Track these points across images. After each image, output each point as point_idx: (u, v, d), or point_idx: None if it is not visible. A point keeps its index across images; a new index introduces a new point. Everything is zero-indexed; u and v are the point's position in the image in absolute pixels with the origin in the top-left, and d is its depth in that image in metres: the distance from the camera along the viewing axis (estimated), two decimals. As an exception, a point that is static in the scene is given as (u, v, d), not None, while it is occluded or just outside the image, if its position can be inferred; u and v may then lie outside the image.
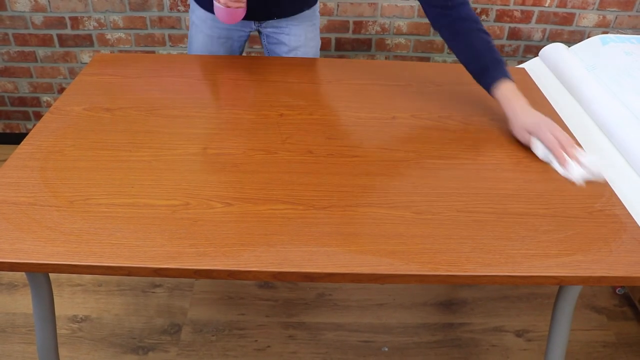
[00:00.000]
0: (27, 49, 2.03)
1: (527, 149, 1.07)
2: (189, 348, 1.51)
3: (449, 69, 1.40)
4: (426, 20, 2.00)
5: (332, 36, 2.02)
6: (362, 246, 0.81)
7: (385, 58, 2.10)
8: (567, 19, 2.02)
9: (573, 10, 2.00)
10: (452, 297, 1.71)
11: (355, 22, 2.00)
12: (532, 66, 1.46)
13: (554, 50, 1.44)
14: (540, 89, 1.32)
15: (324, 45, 2.04)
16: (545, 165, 1.03)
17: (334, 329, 1.59)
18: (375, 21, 2.00)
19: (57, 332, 1.52)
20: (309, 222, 0.85)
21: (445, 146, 1.07)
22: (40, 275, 0.97)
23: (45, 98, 2.17)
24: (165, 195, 0.89)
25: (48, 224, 0.82)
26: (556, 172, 1.01)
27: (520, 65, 1.48)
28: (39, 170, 0.94)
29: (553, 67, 1.40)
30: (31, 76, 2.11)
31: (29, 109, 2.21)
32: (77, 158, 0.97)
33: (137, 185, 0.91)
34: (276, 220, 0.85)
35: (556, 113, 1.21)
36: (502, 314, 1.66)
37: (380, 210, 0.88)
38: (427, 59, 2.11)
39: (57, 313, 1.57)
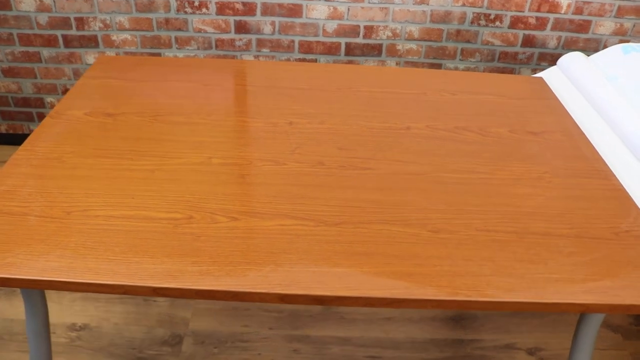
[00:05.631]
0: (31, 49, 1.99)
1: (547, 163, 1.02)
2: (189, 360, 1.46)
3: (463, 76, 1.35)
4: (438, 26, 1.95)
5: (342, 41, 1.98)
6: (375, 267, 0.76)
7: (396, 64, 2.05)
8: (583, 27, 1.97)
9: (589, 18, 1.95)
10: (461, 311, 1.65)
11: (365, 27, 1.95)
12: (550, 75, 1.40)
13: (573, 59, 1.39)
14: (559, 99, 1.27)
15: (334, 50, 1.99)
16: (567, 181, 0.98)
17: (340, 343, 1.53)
18: (387, 26, 1.95)
19: (55, 340, 1.48)
20: (319, 240, 0.80)
21: (461, 159, 1.02)
22: (34, 290, 0.93)
23: (49, 99, 2.14)
24: (167, 208, 0.84)
25: (42, 236, 0.78)
26: (579, 188, 0.96)
27: (538, 74, 1.43)
28: (35, 178, 0.89)
29: (572, 77, 1.34)
30: (35, 77, 2.07)
31: (32, 110, 2.17)
32: (75, 166, 0.93)
33: (138, 196, 0.86)
34: (284, 237, 0.80)
35: (575, 124, 1.16)
36: (513, 330, 1.60)
37: (394, 227, 0.83)
38: (439, 66, 2.06)
39: (55, 321, 1.54)
